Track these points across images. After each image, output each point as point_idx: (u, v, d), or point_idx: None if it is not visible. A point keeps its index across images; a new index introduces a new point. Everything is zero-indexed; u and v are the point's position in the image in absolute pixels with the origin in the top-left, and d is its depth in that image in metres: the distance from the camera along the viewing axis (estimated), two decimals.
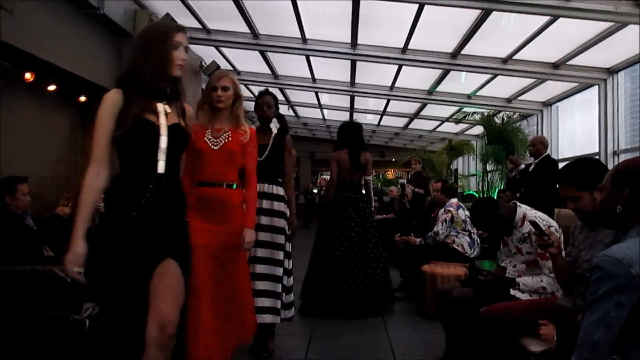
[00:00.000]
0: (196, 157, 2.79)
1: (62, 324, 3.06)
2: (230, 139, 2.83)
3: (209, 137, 2.83)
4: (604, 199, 1.77)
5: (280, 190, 3.68)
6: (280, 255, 3.62)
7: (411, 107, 10.72)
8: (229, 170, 2.83)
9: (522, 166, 6.07)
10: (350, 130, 5.08)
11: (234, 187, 2.84)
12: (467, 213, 5.05)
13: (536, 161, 5.87)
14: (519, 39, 6.23)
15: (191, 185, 2.80)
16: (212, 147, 2.80)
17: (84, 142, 5.62)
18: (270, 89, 9.37)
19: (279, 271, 3.60)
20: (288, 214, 3.72)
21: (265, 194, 3.60)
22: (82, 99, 5.36)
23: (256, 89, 10.28)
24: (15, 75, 4.42)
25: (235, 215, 2.83)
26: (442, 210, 5.34)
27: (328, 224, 4.93)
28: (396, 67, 7.74)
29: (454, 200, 5.41)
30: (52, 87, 4.83)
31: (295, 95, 10.81)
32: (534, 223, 2.51)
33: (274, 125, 3.70)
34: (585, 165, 2.32)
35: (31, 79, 4.52)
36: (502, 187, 8.24)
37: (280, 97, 10.72)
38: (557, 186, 2.45)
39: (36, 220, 3.73)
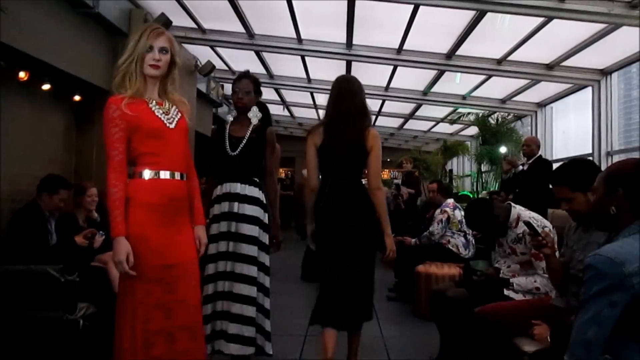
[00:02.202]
0: (147, 139, 2.16)
1: (56, 323, 3.05)
2: (180, 115, 2.28)
3: (160, 112, 2.20)
4: (596, 201, 1.78)
5: (254, 192, 3.06)
6: (251, 270, 2.98)
7: (406, 107, 10.74)
8: (185, 157, 2.29)
9: (520, 167, 6.09)
10: None
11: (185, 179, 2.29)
12: (463, 213, 5.08)
13: (529, 162, 5.90)
14: (514, 40, 6.26)
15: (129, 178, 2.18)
16: (168, 125, 2.20)
17: (78, 141, 5.59)
18: (266, 89, 9.35)
19: (252, 290, 2.97)
20: (265, 220, 3.10)
21: (236, 195, 3.03)
22: (77, 98, 5.31)
23: None
24: (9, 74, 4.40)
25: (188, 216, 2.32)
26: (438, 211, 5.35)
27: None
28: (391, 67, 7.76)
29: (450, 201, 5.42)
30: (46, 86, 4.79)
31: (290, 96, 10.81)
32: (528, 223, 2.52)
33: (254, 115, 3.18)
34: (579, 166, 2.33)
35: (25, 78, 4.48)
36: (496, 188, 8.26)
37: (275, 97, 10.71)
38: (551, 187, 2.46)
39: (57, 225, 3.67)
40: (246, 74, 3.25)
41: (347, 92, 3.06)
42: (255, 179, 3.10)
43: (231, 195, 3.04)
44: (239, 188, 3.04)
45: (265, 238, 3.09)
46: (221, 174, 3.12)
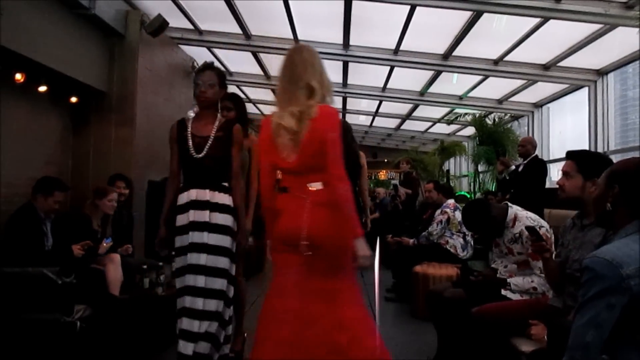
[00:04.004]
0: None
1: (53, 326, 3.04)
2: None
3: None
4: (596, 197, 1.79)
5: (225, 199, 2.86)
6: (220, 284, 2.79)
7: (403, 108, 10.75)
8: None
9: (513, 167, 6.12)
10: None
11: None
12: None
13: (525, 162, 5.91)
14: (510, 41, 6.27)
15: None
16: None
17: (75, 143, 5.58)
18: (263, 90, 9.34)
19: (220, 305, 2.80)
20: (235, 228, 2.90)
21: (206, 203, 2.81)
22: (73, 99, 5.31)
23: (249, 90, 10.33)
24: (5, 76, 4.39)
25: None
26: (438, 211, 5.35)
27: None
28: (388, 68, 7.76)
29: (451, 202, 5.41)
30: (42, 88, 4.78)
31: None
32: (531, 229, 2.51)
33: (218, 110, 2.96)
34: (596, 155, 2.47)
35: (22, 80, 4.48)
36: (492, 189, 8.27)
37: (272, 98, 10.69)
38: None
39: (54, 226, 3.66)
40: (210, 66, 3.00)
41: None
42: (225, 183, 2.89)
43: (199, 203, 2.80)
44: (208, 195, 2.81)
45: (234, 247, 2.91)
46: (185, 179, 2.90)
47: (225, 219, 2.83)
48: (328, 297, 2.18)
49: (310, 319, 2.13)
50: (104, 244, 3.81)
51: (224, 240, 2.82)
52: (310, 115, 2.22)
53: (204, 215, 2.78)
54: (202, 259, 2.76)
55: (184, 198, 2.84)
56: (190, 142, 2.85)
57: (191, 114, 2.97)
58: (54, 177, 3.79)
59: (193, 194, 2.82)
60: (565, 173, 2.40)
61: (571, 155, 2.43)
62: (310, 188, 2.24)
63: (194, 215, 2.79)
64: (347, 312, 2.19)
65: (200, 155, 2.81)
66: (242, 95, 10.44)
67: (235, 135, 2.91)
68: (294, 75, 2.32)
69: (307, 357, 2.09)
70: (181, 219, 2.83)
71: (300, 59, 2.36)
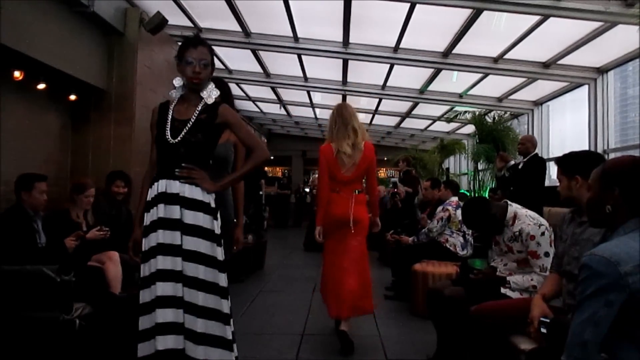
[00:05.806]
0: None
1: (52, 324, 3.04)
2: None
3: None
4: (591, 199, 1.77)
5: (197, 193, 2.34)
6: (209, 300, 2.27)
7: (403, 106, 10.75)
8: None
9: (512, 162, 6.11)
10: None
11: None
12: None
13: (525, 160, 5.91)
14: (510, 39, 6.27)
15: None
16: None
17: (74, 141, 5.57)
18: (263, 88, 9.35)
19: (215, 328, 2.28)
20: (217, 231, 2.37)
21: (175, 197, 2.31)
22: (72, 97, 5.30)
23: (248, 89, 10.32)
24: (4, 73, 4.38)
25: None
26: (440, 208, 5.34)
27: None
28: (388, 66, 7.75)
29: (454, 199, 5.41)
30: (41, 86, 4.78)
31: (287, 94, 10.79)
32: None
33: (209, 94, 2.45)
34: (572, 155, 2.46)
35: (20, 78, 4.48)
36: (493, 186, 8.28)
37: (272, 95, 10.69)
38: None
39: (45, 223, 3.65)
40: (201, 40, 2.46)
41: None
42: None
43: (168, 196, 2.30)
44: (177, 187, 2.31)
45: (218, 252, 2.35)
46: (157, 169, 2.43)
47: (202, 219, 2.32)
48: (356, 250, 3.89)
49: (349, 251, 3.87)
50: (95, 231, 3.83)
51: (206, 246, 2.30)
52: (361, 148, 3.81)
53: (175, 212, 2.29)
54: (178, 264, 2.25)
55: (152, 191, 2.37)
56: (169, 126, 2.38)
57: (174, 93, 2.49)
58: (31, 173, 3.75)
59: (162, 185, 2.33)
60: (558, 179, 2.50)
61: (556, 161, 2.54)
62: (354, 193, 3.86)
63: (163, 210, 2.29)
64: (363, 258, 3.98)
65: (175, 141, 2.33)
66: (242, 94, 10.45)
67: (222, 115, 2.43)
68: (344, 121, 3.82)
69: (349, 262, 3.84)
70: (151, 215, 2.35)
71: (347, 112, 3.90)
